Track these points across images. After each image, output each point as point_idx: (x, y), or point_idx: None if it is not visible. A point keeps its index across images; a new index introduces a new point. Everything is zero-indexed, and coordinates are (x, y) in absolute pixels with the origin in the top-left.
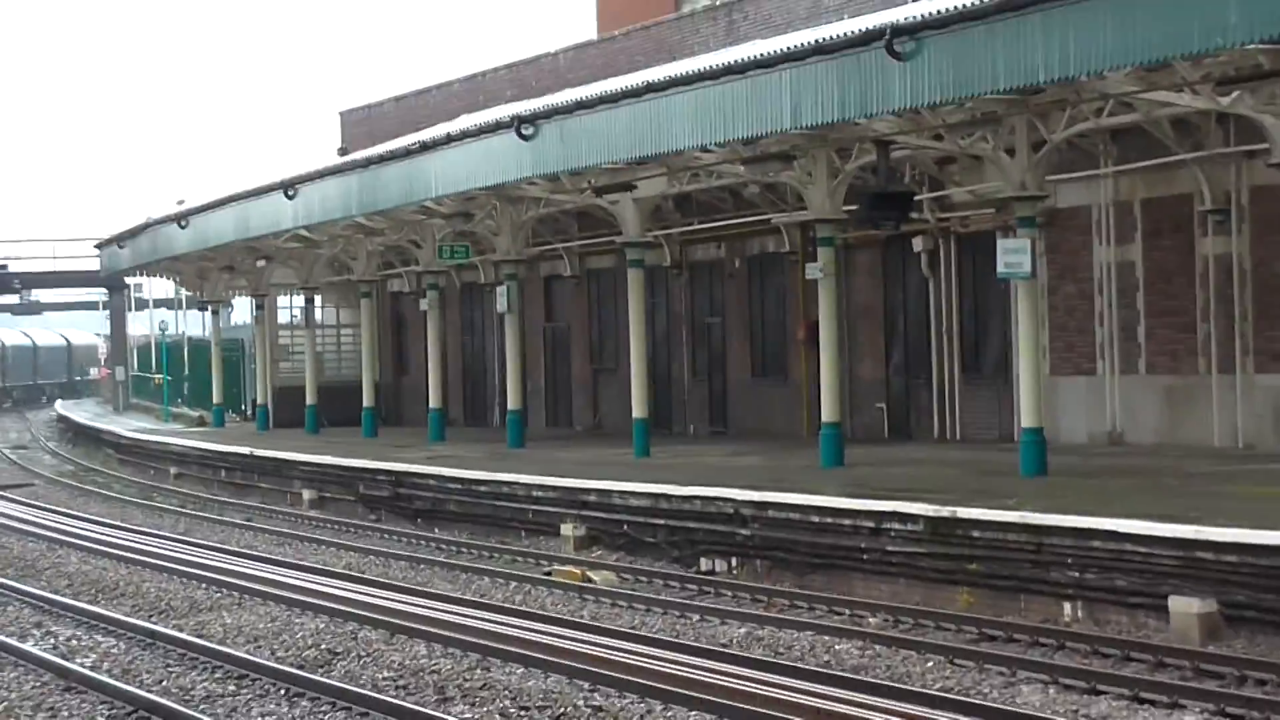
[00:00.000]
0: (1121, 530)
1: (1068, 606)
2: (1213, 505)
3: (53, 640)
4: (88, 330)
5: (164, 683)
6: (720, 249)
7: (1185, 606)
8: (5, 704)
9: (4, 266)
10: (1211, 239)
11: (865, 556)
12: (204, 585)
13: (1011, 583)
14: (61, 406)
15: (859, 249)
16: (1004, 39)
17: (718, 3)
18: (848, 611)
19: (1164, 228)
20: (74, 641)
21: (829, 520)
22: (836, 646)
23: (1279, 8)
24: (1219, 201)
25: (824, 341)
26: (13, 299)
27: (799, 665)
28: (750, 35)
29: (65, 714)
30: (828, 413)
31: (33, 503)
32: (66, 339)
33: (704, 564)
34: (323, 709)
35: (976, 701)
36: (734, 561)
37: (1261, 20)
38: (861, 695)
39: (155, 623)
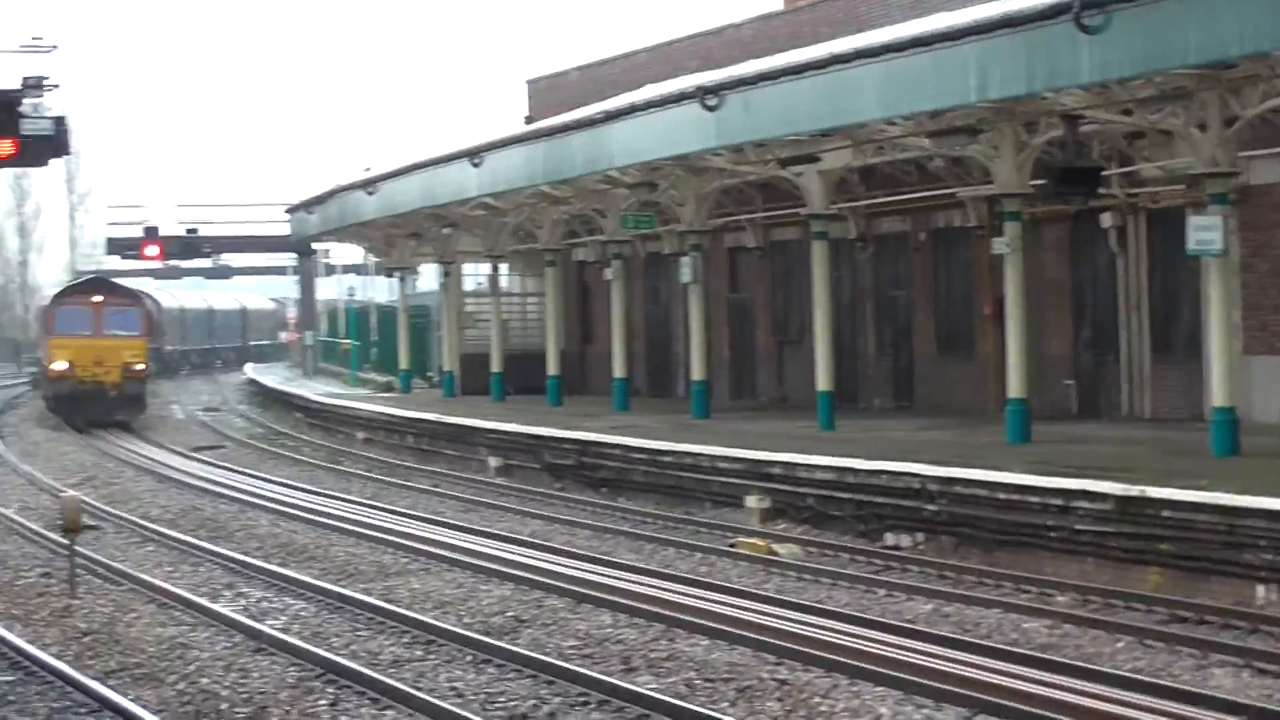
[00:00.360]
0: None
1: (1261, 589)
2: None
3: (244, 601)
4: (266, 295)
5: (352, 646)
6: (905, 222)
7: None
8: (197, 664)
9: (194, 231)
10: None
11: (1053, 534)
12: (391, 550)
13: (1203, 564)
14: (251, 370)
15: (1046, 224)
16: (1195, 13)
17: None
18: (1035, 589)
19: None
20: (264, 603)
21: (1016, 497)
22: (1024, 625)
23: None
24: None
25: (1010, 317)
26: (204, 263)
27: (986, 643)
28: (937, 7)
29: (255, 675)
30: (1014, 389)
31: (224, 465)
32: (242, 304)
33: (889, 539)
34: (509, 676)
35: (1168, 684)
36: (920, 537)
37: None
38: (1050, 674)
39: (343, 586)
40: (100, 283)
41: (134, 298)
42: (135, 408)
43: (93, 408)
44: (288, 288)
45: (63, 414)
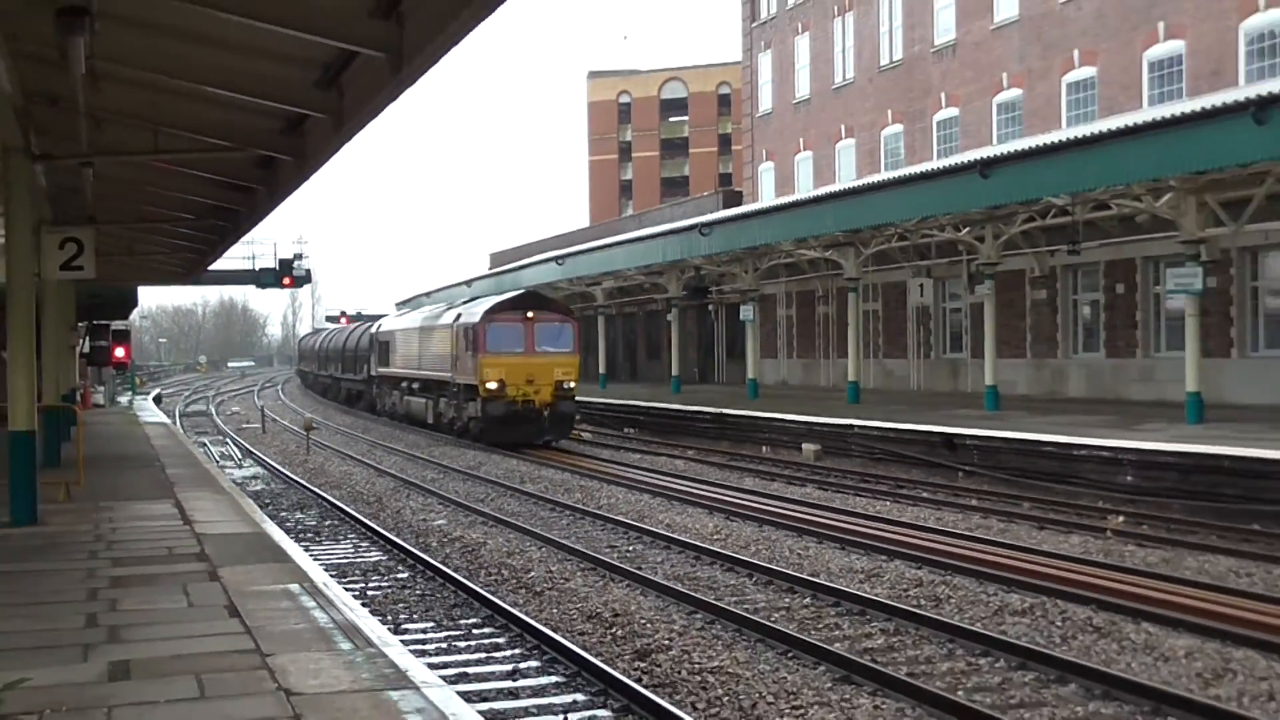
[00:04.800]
0: (784, 418)
1: (765, 448)
2: (821, 408)
3: (376, 456)
4: None
5: (421, 473)
6: (637, 308)
7: (810, 446)
8: (354, 480)
9: (360, 313)
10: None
11: (689, 428)
12: (391, 481)
13: (745, 439)
14: None
15: (688, 309)
16: (753, 227)
17: (635, 213)
18: (680, 450)
19: (890, 298)
20: (383, 458)
21: (675, 413)
22: (677, 463)
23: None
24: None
25: (675, 345)
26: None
27: (661, 469)
28: (648, 224)
29: (379, 484)
30: (676, 370)
31: (366, 415)
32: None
33: (627, 430)
34: (477, 484)
35: (729, 484)
36: (637, 429)
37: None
38: (683, 482)
39: (415, 452)
40: (531, 298)
41: (565, 313)
42: (565, 428)
43: (524, 429)
44: None
45: (492, 438)
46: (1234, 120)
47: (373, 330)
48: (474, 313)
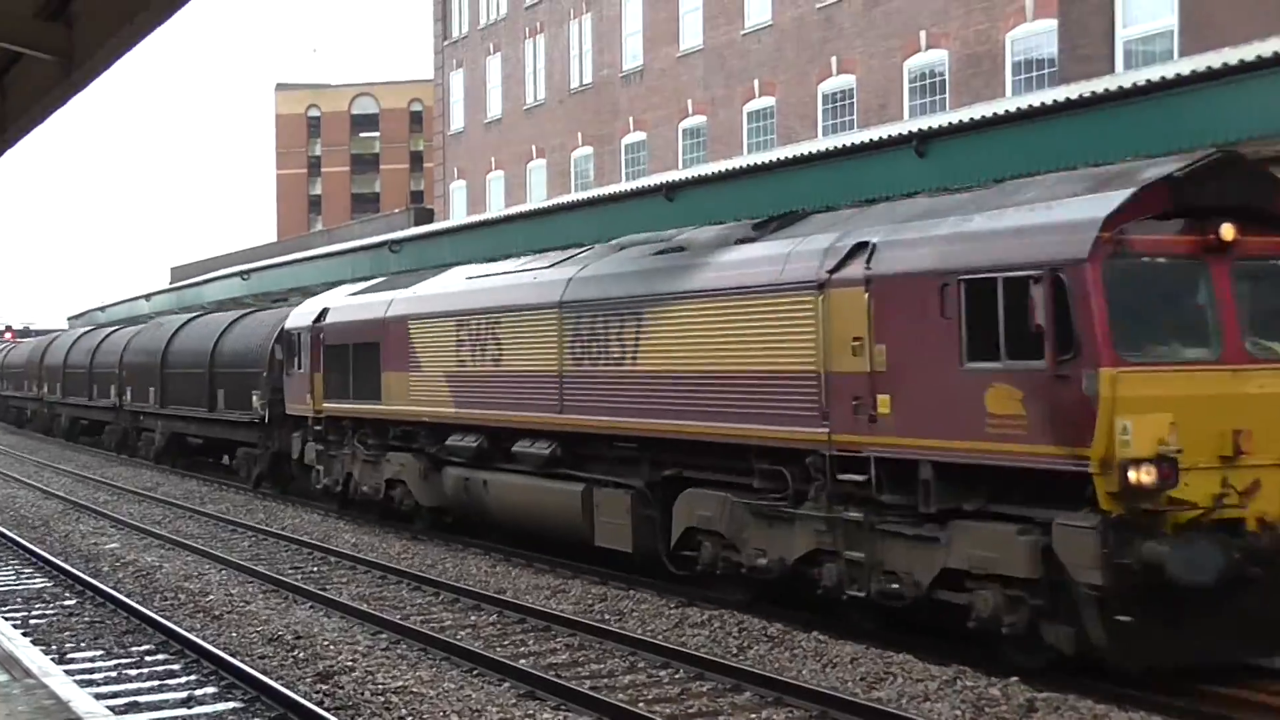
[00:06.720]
0: None
1: None
2: None
3: (43, 478)
4: None
5: (92, 495)
6: None
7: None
8: (18, 503)
9: (28, 326)
10: None
11: None
12: (60, 504)
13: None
14: None
15: None
16: (446, 243)
17: (325, 229)
18: None
19: None
20: (51, 479)
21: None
22: None
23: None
24: None
25: None
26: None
27: None
28: (338, 240)
29: (45, 507)
30: None
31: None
32: None
33: None
34: (152, 505)
35: None
36: None
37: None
38: None
39: (82, 471)
40: (1230, 174)
41: None
42: None
43: (1210, 628)
44: None
45: (1139, 658)
46: (899, 152)
47: (294, 325)
48: (1023, 225)
